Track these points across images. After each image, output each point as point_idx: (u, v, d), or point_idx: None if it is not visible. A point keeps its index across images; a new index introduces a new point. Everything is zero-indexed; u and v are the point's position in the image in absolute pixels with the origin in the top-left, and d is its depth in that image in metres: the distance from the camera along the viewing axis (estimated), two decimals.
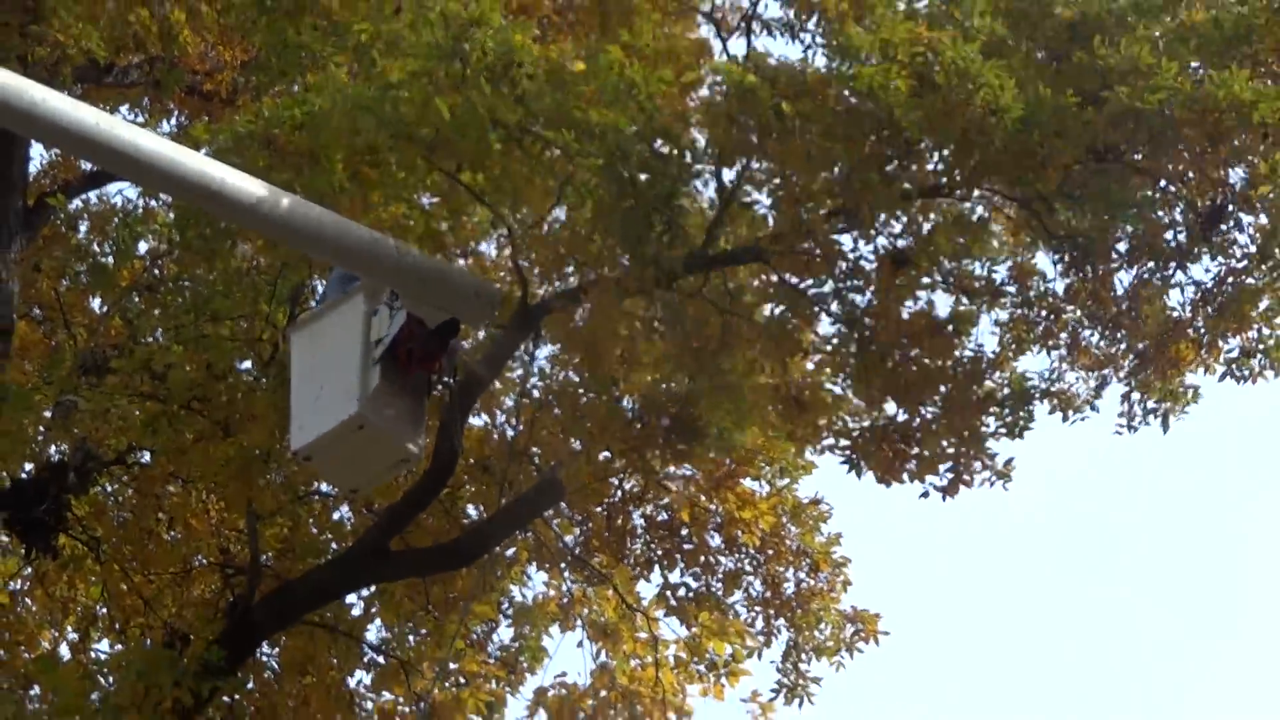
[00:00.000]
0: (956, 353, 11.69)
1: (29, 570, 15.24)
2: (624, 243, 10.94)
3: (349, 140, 11.42)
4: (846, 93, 10.72)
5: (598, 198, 10.83)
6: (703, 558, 14.19)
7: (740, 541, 14.06)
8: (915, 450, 11.96)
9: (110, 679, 13.06)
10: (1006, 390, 11.87)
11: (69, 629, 15.62)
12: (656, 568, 14.34)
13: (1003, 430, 11.78)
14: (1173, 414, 12.13)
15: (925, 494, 12.02)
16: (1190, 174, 11.18)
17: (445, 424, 12.40)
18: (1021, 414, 11.79)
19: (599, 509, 14.14)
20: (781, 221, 11.26)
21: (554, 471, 13.45)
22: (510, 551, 14.39)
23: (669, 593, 14.41)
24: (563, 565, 14.66)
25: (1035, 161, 10.83)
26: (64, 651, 15.31)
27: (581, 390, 13.54)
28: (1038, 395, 11.90)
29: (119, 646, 14.74)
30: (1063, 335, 12.01)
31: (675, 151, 10.85)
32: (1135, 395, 12.11)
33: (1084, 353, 12.02)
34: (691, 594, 14.38)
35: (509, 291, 12.04)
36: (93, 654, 14.99)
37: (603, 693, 14.30)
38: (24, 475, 14.14)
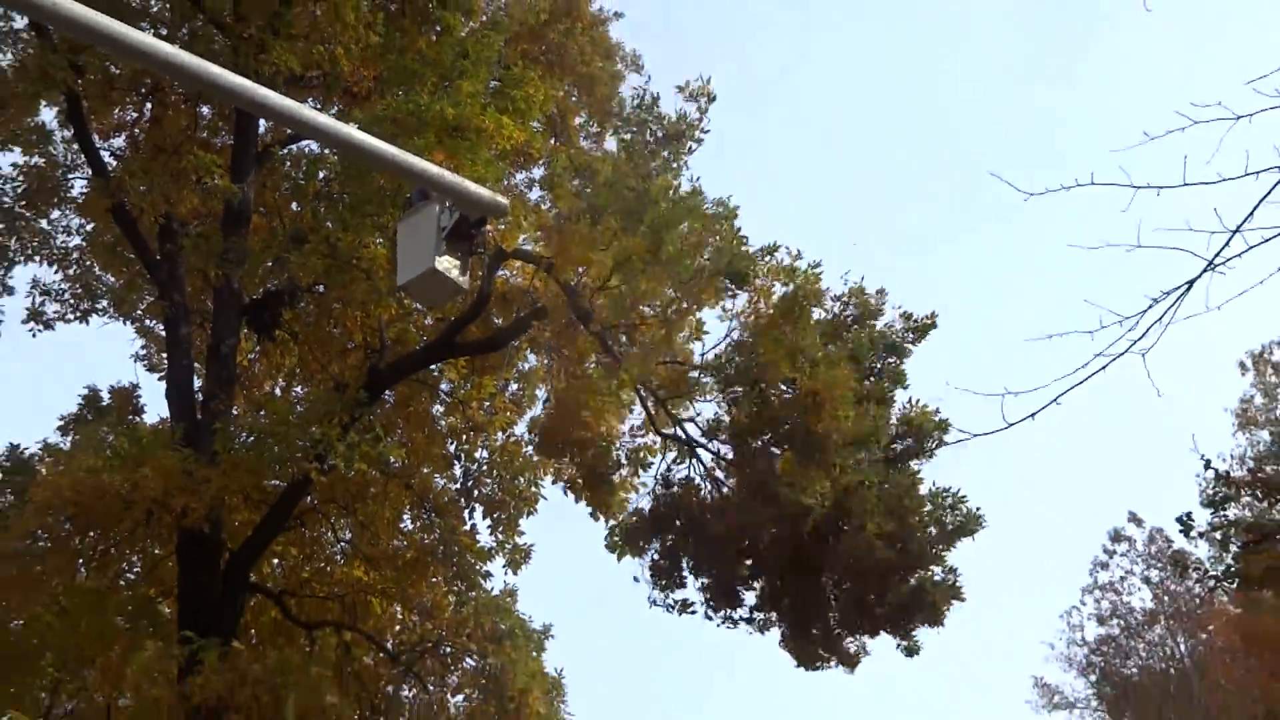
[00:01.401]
0: None
1: (258, 348, 15.57)
2: None
3: (439, 122, 11.65)
4: None
5: None
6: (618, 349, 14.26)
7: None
8: None
9: (302, 407, 13.32)
10: None
11: (280, 380, 15.93)
12: (594, 355, 14.57)
13: None
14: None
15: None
16: None
17: (484, 276, 12.90)
18: None
19: (564, 323, 14.22)
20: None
21: (542, 303, 13.80)
22: (517, 343, 14.67)
23: (602, 365, 14.44)
24: (546, 351, 14.86)
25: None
26: (277, 392, 15.73)
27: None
28: None
29: (308, 389, 15.13)
30: None
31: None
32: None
33: None
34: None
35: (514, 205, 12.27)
36: (293, 394, 15.36)
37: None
38: (258, 296, 14.43)
